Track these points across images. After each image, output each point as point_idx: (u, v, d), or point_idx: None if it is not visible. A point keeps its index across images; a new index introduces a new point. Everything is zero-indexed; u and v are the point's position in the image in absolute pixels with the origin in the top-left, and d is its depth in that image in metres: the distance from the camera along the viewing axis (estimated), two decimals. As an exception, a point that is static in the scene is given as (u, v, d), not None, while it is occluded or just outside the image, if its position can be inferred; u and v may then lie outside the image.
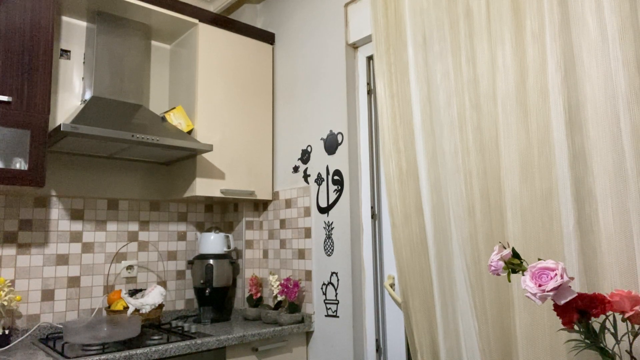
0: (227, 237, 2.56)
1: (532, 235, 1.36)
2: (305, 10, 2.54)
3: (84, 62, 2.33)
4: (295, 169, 2.51)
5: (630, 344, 1.02)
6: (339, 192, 2.24)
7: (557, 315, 1.06)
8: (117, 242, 2.35)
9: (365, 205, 2.19)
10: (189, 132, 2.36)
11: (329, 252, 2.27)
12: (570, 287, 1.01)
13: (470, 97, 1.57)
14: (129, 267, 2.36)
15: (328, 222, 2.28)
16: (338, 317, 2.19)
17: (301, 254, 2.43)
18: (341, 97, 2.27)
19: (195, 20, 2.44)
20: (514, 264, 1.10)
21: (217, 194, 2.38)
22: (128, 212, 2.41)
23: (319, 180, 2.36)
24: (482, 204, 1.51)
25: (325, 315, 2.25)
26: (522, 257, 1.11)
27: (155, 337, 1.95)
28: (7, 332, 1.88)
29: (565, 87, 1.33)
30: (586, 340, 1.03)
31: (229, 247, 2.55)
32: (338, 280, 2.20)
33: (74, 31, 2.33)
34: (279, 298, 2.36)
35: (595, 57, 1.28)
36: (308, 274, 2.37)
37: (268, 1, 2.84)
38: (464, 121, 1.58)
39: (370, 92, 2.25)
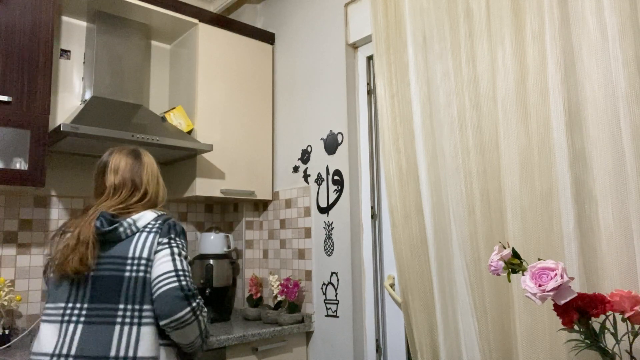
0: (227, 237, 2.55)
1: (532, 235, 1.36)
2: (305, 10, 2.54)
3: (84, 62, 2.33)
4: (295, 169, 2.51)
5: (630, 344, 1.02)
6: (339, 192, 2.24)
7: (557, 315, 1.06)
8: (117, 242, 2.35)
9: (365, 205, 2.19)
10: (189, 132, 2.36)
11: (329, 252, 2.27)
12: (570, 287, 1.01)
13: (470, 97, 1.57)
14: (129, 267, 2.36)
15: (328, 222, 2.28)
16: (338, 317, 2.19)
17: (301, 254, 2.43)
18: (341, 97, 2.27)
19: (195, 20, 2.44)
20: (514, 264, 1.10)
21: (217, 194, 2.38)
22: (128, 212, 2.41)
23: (319, 180, 2.36)
24: (482, 204, 1.51)
25: (325, 315, 2.25)
26: (522, 257, 1.11)
27: (155, 337, 1.94)
28: (7, 332, 1.87)
29: (565, 87, 1.33)
30: (586, 340, 1.04)
31: (229, 247, 2.54)
32: (338, 280, 2.20)
33: (74, 31, 2.33)
34: (279, 298, 2.36)
35: (595, 57, 1.27)
36: (308, 274, 2.37)
37: (268, 1, 2.84)
38: (464, 121, 1.58)
39: (370, 92, 2.25)
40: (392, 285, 2.05)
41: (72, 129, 1.83)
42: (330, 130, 2.31)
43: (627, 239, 1.18)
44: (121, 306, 1.27)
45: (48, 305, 1.32)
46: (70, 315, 1.27)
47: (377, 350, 2.09)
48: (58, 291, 1.32)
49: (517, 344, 1.36)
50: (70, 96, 2.29)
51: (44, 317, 1.32)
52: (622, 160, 1.21)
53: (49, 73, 1.93)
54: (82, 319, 1.27)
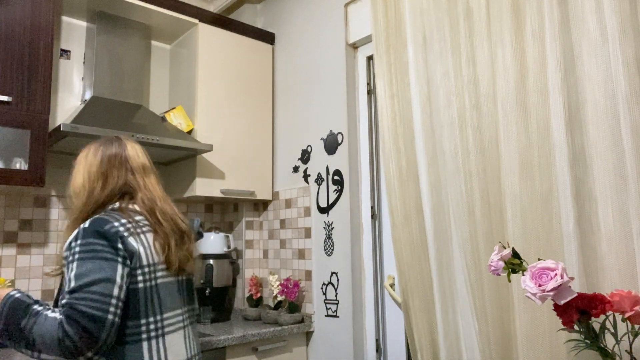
0: (227, 237, 2.55)
1: (532, 235, 1.36)
2: (305, 10, 2.54)
3: (84, 62, 2.33)
4: (295, 169, 2.51)
5: (630, 344, 1.02)
6: (339, 192, 2.24)
7: (557, 315, 1.06)
8: (117, 242, 2.34)
9: (365, 205, 2.19)
10: (189, 132, 2.36)
11: (329, 252, 2.27)
12: (570, 287, 1.01)
13: (470, 97, 1.57)
14: (129, 267, 2.36)
15: (328, 222, 2.28)
16: (338, 317, 2.19)
17: (301, 254, 2.43)
18: (341, 97, 2.27)
19: (195, 20, 2.44)
20: (514, 264, 1.10)
21: (217, 194, 2.38)
22: (128, 212, 2.40)
23: (319, 180, 2.36)
24: (482, 204, 1.51)
25: (325, 315, 2.25)
26: (522, 257, 1.11)
27: (155, 337, 1.94)
28: (7, 332, 1.87)
29: (565, 87, 1.33)
30: (586, 340, 1.03)
31: (229, 247, 2.54)
32: (338, 280, 2.20)
33: (74, 31, 2.33)
34: (279, 298, 2.36)
35: (595, 57, 1.27)
36: (308, 274, 2.37)
37: (268, 1, 2.84)
38: (464, 121, 1.58)
39: (370, 92, 2.25)
40: (392, 285, 2.05)
41: (72, 128, 1.83)
42: (330, 130, 2.31)
43: (627, 239, 1.18)
44: (194, 305, 1.40)
45: (165, 315, 1.24)
46: (185, 320, 1.32)
47: (377, 350, 2.09)
48: (172, 297, 1.28)
49: (517, 344, 1.36)
50: (70, 96, 2.28)
51: (168, 329, 1.24)
52: (622, 160, 1.21)
53: (49, 73, 1.93)
54: (188, 321, 1.33)
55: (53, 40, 1.96)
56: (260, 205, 2.72)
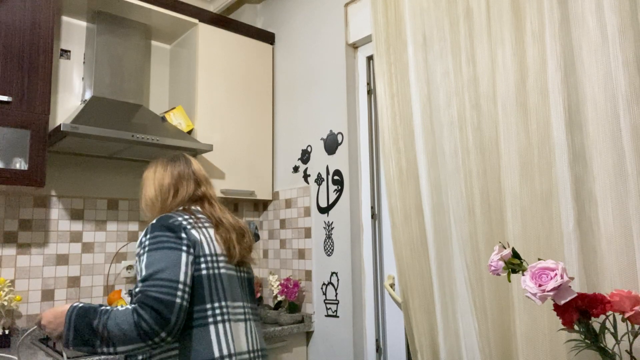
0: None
1: (532, 235, 1.36)
2: (305, 10, 2.54)
3: (84, 62, 2.33)
4: (295, 169, 2.51)
5: (630, 344, 1.02)
6: (339, 192, 2.24)
7: (557, 315, 1.06)
8: (117, 242, 2.35)
9: (365, 205, 2.19)
10: (189, 132, 2.36)
11: (329, 252, 2.27)
12: (570, 287, 1.01)
13: (470, 97, 1.57)
14: (129, 267, 2.36)
15: (328, 222, 2.28)
16: (338, 317, 2.19)
17: (301, 254, 2.43)
18: (341, 97, 2.27)
19: (195, 20, 2.44)
20: (514, 264, 1.10)
21: (217, 194, 2.37)
22: (128, 212, 2.41)
23: (319, 180, 2.36)
24: (482, 204, 1.51)
25: (325, 315, 2.25)
26: (522, 257, 1.11)
27: (155, 337, 1.94)
28: (7, 332, 1.87)
29: (565, 87, 1.33)
30: (586, 340, 1.04)
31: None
32: (338, 280, 2.20)
33: (74, 31, 2.33)
34: (279, 298, 2.36)
35: (595, 57, 1.27)
36: (308, 274, 2.37)
37: (268, 1, 2.84)
38: (464, 121, 1.58)
39: (370, 92, 2.25)
40: (392, 285, 2.05)
41: (72, 129, 1.83)
42: (330, 130, 2.31)
43: (627, 239, 1.18)
44: (255, 304, 1.46)
45: (228, 303, 1.31)
46: (247, 313, 1.37)
47: (377, 350, 2.09)
48: (235, 289, 1.35)
49: (517, 344, 1.36)
50: (70, 96, 2.28)
51: (232, 317, 1.30)
52: (622, 160, 1.21)
53: (49, 73, 1.93)
54: (251, 316, 1.39)
55: (53, 40, 1.95)
56: (260, 205, 2.71)
